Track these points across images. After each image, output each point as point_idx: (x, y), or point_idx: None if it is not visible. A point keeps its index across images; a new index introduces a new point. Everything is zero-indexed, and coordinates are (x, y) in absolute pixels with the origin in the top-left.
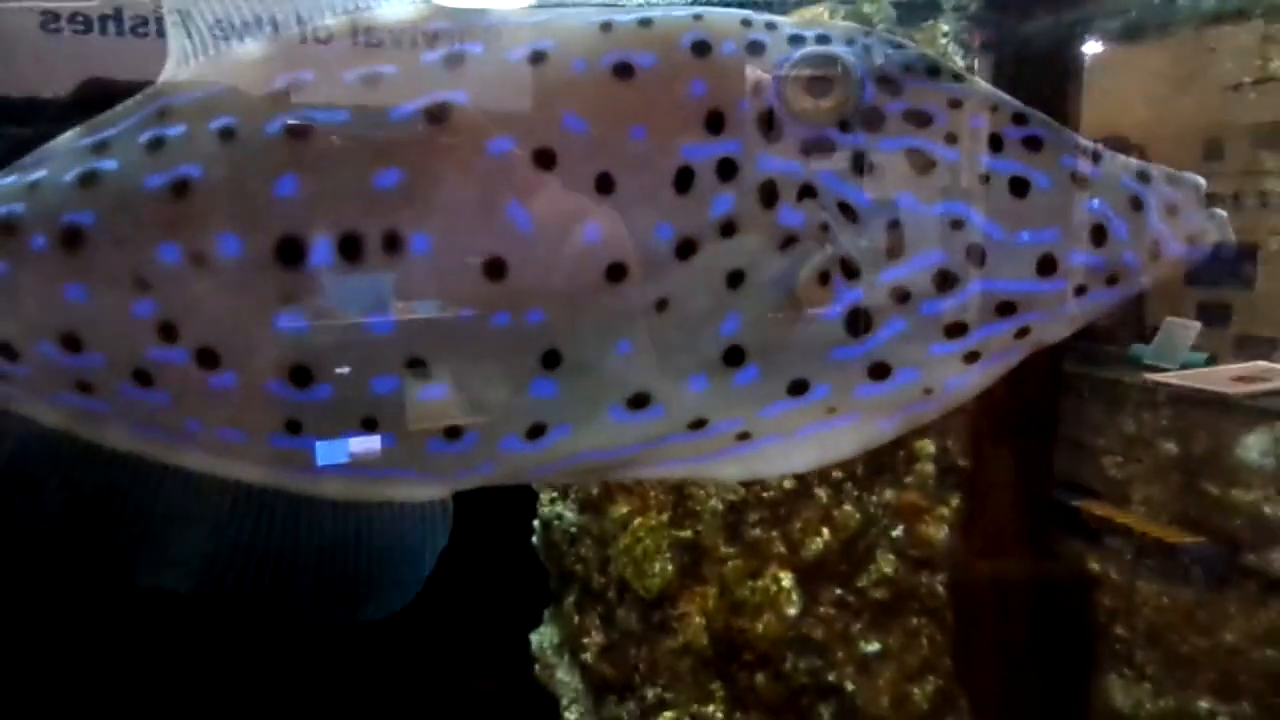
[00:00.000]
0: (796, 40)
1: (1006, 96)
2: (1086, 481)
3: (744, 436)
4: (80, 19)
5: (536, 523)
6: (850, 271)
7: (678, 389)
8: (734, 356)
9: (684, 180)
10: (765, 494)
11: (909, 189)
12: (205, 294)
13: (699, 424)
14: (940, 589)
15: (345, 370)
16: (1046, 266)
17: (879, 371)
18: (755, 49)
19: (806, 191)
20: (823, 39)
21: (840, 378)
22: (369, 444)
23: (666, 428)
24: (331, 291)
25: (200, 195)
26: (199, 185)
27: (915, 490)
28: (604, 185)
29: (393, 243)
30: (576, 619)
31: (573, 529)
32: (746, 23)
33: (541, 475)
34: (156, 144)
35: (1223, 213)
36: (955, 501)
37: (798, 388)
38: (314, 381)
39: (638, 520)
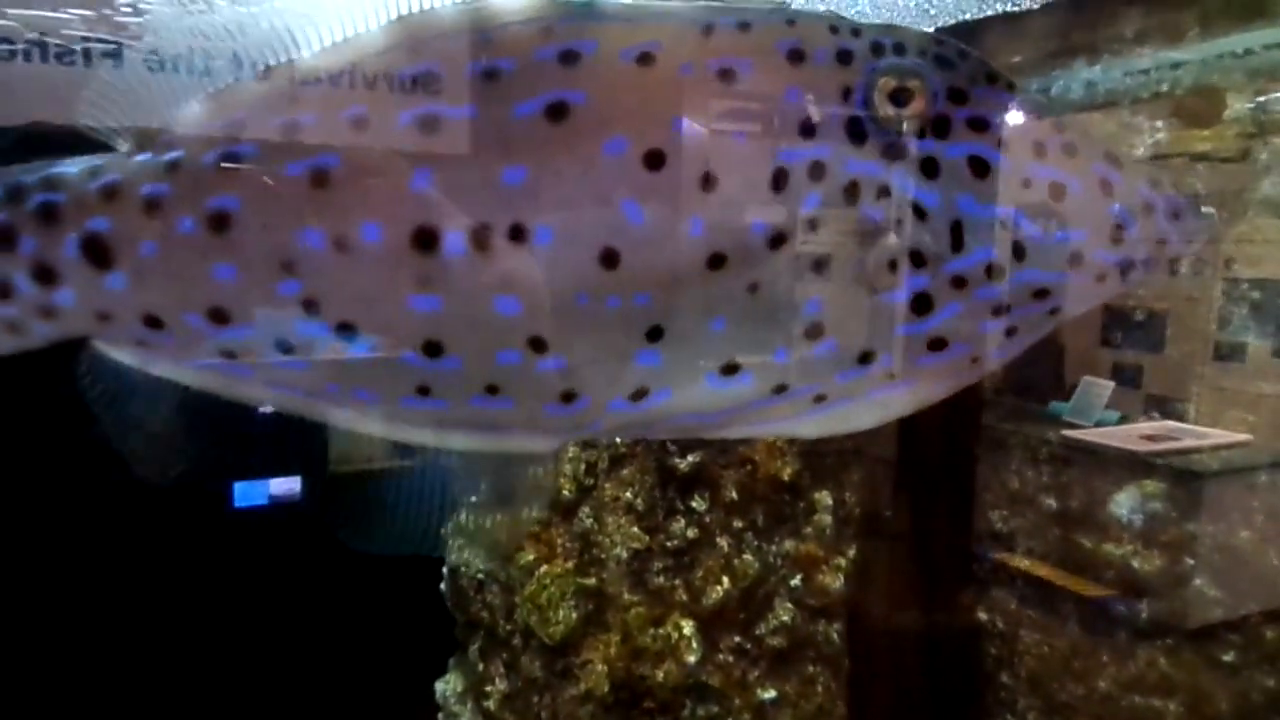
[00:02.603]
0: (878, 49)
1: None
2: (975, 537)
3: (820, 399)
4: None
5: (445, 569)
6: (917, 261)
7: (764, 359)
8: (814, 331)
9: (779, 180)
10: (669, 543)
11: (969, 191)
12: (346, 275)
13: (781, 389)
14: (836, 637)
15: (473, 345)
16: (1075, 260)
17: (937, 344)
18: (844, 58)
19: (884, 191)
20: (900, 48)
21: (904, 350)
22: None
23: (753, 393)
24: (462, 276)
25: (340, 184)
26: (338, 174)
27: (813, 540)
28: (707, 184)
29: (518, 234)
30: (481, 666)
31: (480, 575)
32: (834, 29)
33: (643, 433)
34: (291, 129)
35: (1213, 211)
36: (851, 552)
37: (867, 357)
38: (444, 354)
39: (544, 568)
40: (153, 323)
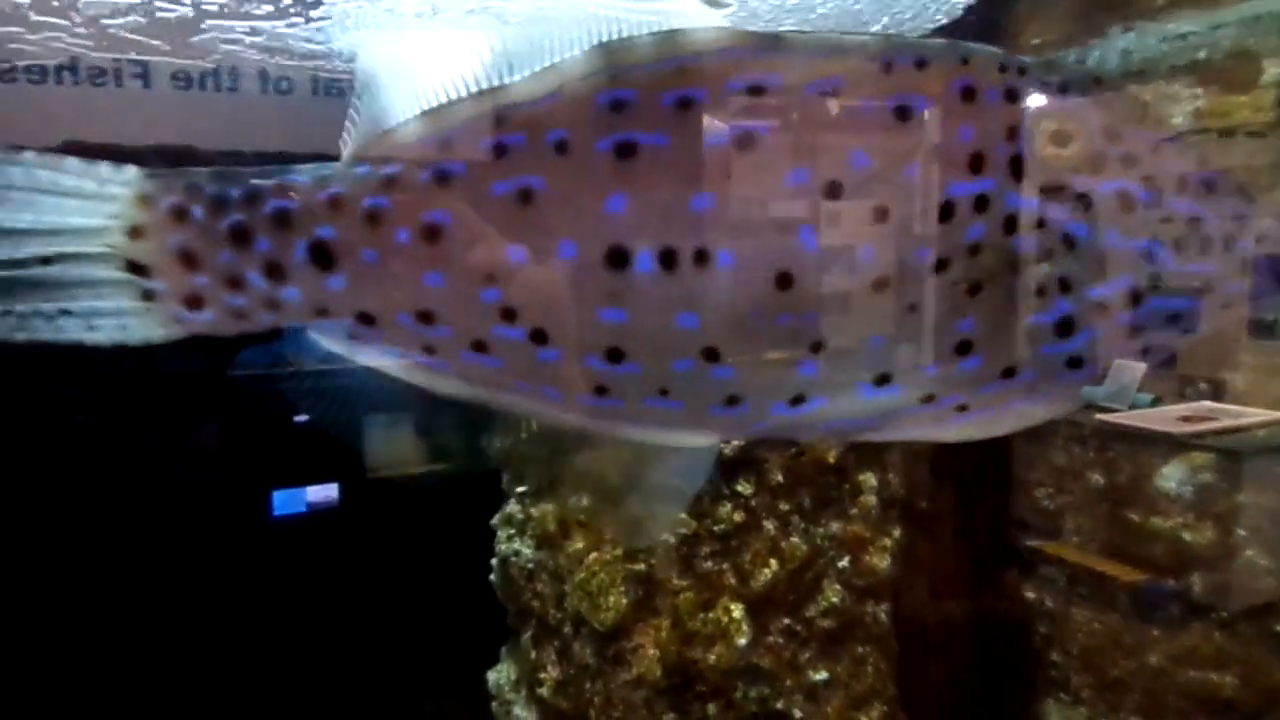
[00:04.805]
0: (1045, 87)
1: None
2: (1021, 515)
3: (962, 408)
4: (36, 70)
5: (494, 560)
6: (1065, 287)
7: (915, 372)
8: (963, 348)
9: (946, 212)
10: (716, 527)
11: (1115, 224)
12: (543, 288)
13: (929, 399)
14: (884, 617)
15: (651, 354)
16: (1207, 289)
17: (1075, 363)
18: (1011, 96)
19: (1040, 223)
20: (1064, 88)
21: (1045, 367)
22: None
23: (902, 402)
24: (648, 293)
25: (542, 204)
26: (541, 196)
27: (859, 522)
28: (880, 215)
29: (702, 257)
30: (533, 654)
31: (530, 565)
32: (1003, 68)
33: (799, 435)
34: (499, 150)
35: None
36: (897, 532)
37: (1010, 372)
38: (625, 360)
39: (593, 555)
40: (365, 319)
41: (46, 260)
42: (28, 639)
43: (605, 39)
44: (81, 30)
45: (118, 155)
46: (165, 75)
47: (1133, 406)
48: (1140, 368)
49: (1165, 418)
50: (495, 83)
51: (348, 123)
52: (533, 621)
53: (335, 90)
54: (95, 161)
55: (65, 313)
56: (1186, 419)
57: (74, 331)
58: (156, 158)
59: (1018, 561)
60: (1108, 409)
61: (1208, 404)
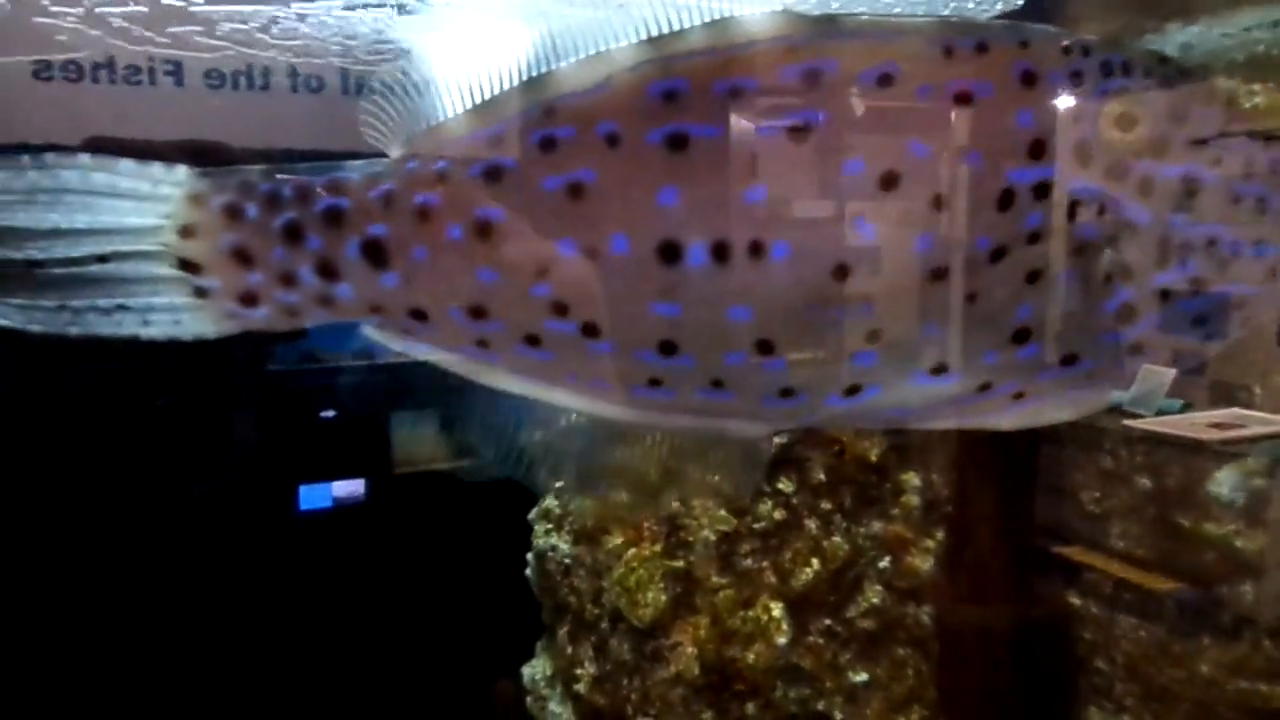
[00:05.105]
0: (1106, 69)
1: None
2: (1066, 519)
3: (1019, 396)
4: (73, 66)
5: (530, 555)
6: (1127, 274)
7: (972, 361)
8: (1021, 336)
9: (1006, 200)
10: (756, 525)
11: (1180, 208)
12: (595, 282)
13: (985, 387)
14: (926, 620)
15: (704, 347)
16: (1272, 275)
17: (1136, 350)
18: (1075, 79)
19: (1102, 209)
20: (1127, 68)
21: (1105, 354)
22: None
23: (958, 391)
24: (701, 287)
25: (593, 198)
26: (592, 189)
27: (901, 522)
28: (938, 204)
29: (756, 249)
30: (570, 650)
31: (567, 560)
32: (1067, 49)
33: (852, 424)
34: (549, 144)
35: None
36: (939, 534)
37: (1069, 360)
38: (677, 353)
39: (631, 551)
40: (418, 315)
41: (103, 258)
42: (54, 619)
43: (654, 24)
44: (124, 26)
45: (148, 153)
46: (198, 73)
47: (1161, 412)
48: (1169, 373)
49: (1194, 424)
50: (542, 72)
51: (371, 119)
52: (569, 617)
53: (365, 88)
54: (148, 163)
55: (121, 308)
56: (1216, 426)
57: (129, 326)
58: (186, 155)
59: (1061, 565)
60: (1134, 414)
61: (1238, 410)
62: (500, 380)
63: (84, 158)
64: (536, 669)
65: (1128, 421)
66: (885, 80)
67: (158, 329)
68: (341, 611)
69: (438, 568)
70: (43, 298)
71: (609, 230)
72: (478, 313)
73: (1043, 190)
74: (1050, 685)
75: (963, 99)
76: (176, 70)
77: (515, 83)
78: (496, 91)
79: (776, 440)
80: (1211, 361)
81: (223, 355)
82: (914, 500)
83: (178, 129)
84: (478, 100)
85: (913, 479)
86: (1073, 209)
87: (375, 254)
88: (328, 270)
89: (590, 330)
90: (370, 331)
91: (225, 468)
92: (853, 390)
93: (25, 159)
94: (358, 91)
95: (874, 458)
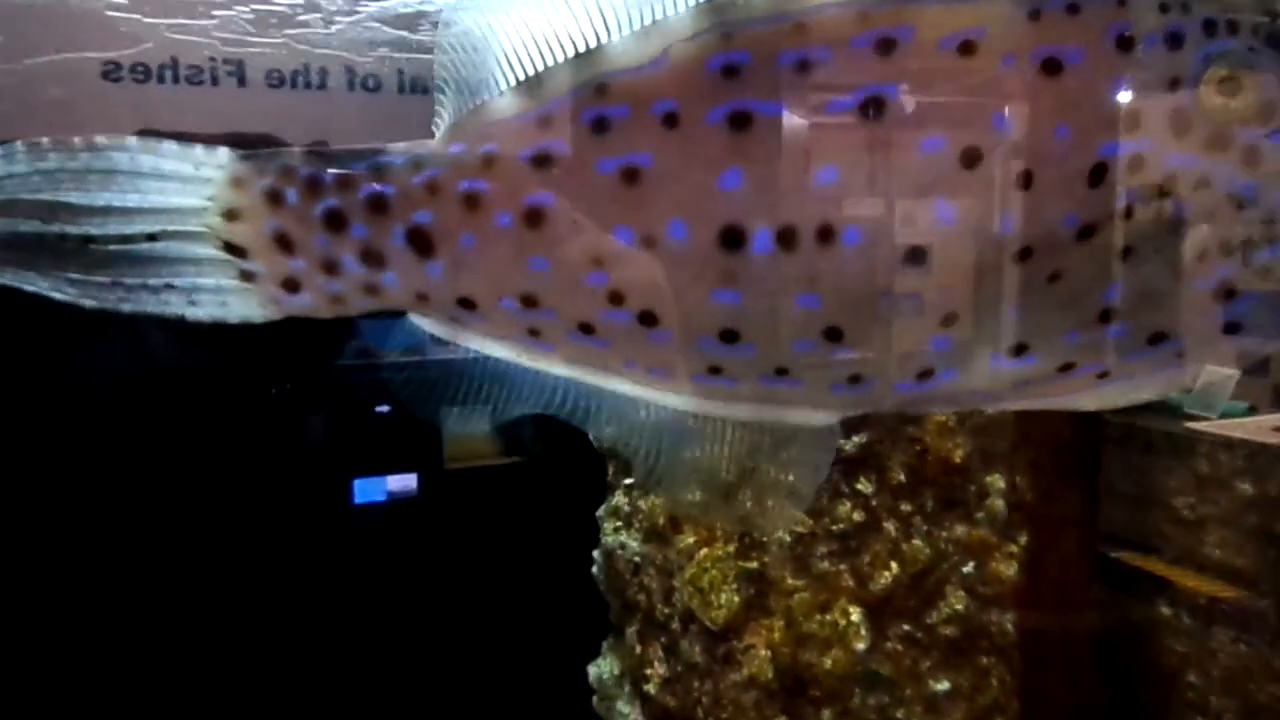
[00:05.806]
0: (1210, 29)
1: None
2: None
3: (1103, 376)
4: (140, 68)
5: (596, 553)
6: (1226, 251)
7: (1053, 341)
8: (1107, 316)
9: (1097, 175)
10: (834, 527)
11: None
12: (652, 271)
13: (1067, 368)
14: (1010, 628)
15: (769, 335)
16: None
17: (1231, 329)
18: (1174, 41)
19: (1202, 183)
20: (1232, 27)
21: (1198, 333)
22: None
23: (1038, 372)
24: (767, 275)
25: (650, 183)
26: (648, 174)
27: (985, 526)
28: (1023, 181)
29: (825, 235)
30: (639, 650)
31: (636, 559)
32: (1164, 7)
33: (925, 408)
34: (601, 125)
35: None
36: (1024, 539)
37: (1157, 338)
38: (740, 341)
39: (704, 551)
40: (467, 304)
41: (152, 237)
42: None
43: None
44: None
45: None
46: (260, 73)
47: (1224, 415)
48: (1233, 374)
49: (1258, 427)
50: (592, 43)
51: (438, 108)
52: (638, 616)
53: (421, 89)
54: (190, 145)
55: (170, 287)
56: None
57: (177, 306)
58: (235, 146)
59: (1152, 574)
60: (1196, 416)
61: None
62: (554, 368)
63: (131, 140)
64: (603, 668)
65: (1190, 425)
66: (966, 48)
67: (204, 310)
68: (397, 606)
69: (492, 563)
70: (96, 274)
71: (666, 217)
72: (529, 302)
73: (1137, 164)
74: (1139, 698)
75: (1052, 66)
76: (238, 70)
77: (564, 55)
78: (545, 65)
79: (855, 439)
80: (1275, 361)
81: (319, 347)
82: (999, 504)
83: (239, 129)
84: (524, 73)
85: (997, 481)
86: (1170, 183)
87: (421, 242)
88: (372, 258)
89: (648, 319)
90: (418, 320)
91: (295, 460)
92: (926, 374)
93: (77, 140)
94: (413, 91)
95: (958, 459)
